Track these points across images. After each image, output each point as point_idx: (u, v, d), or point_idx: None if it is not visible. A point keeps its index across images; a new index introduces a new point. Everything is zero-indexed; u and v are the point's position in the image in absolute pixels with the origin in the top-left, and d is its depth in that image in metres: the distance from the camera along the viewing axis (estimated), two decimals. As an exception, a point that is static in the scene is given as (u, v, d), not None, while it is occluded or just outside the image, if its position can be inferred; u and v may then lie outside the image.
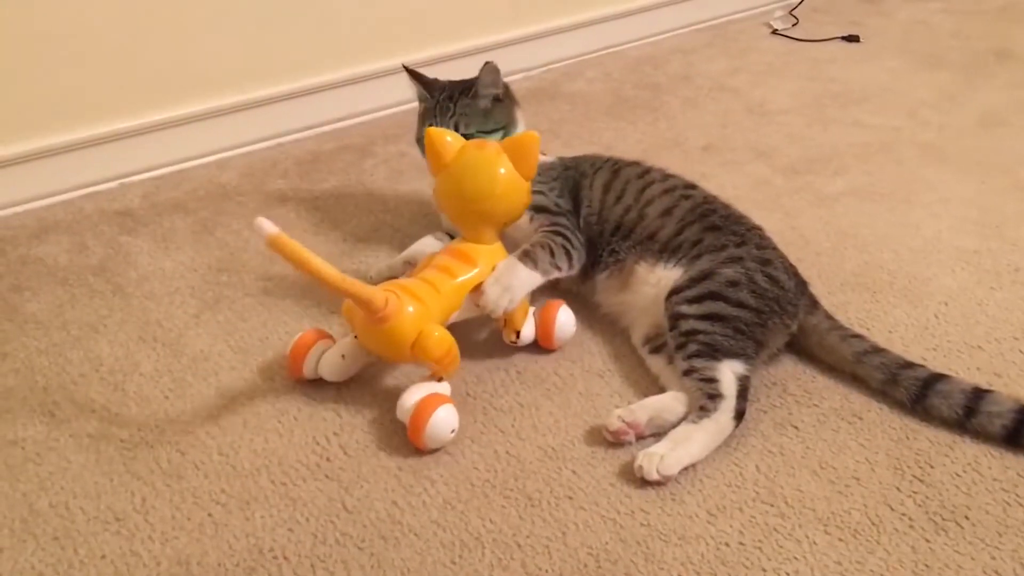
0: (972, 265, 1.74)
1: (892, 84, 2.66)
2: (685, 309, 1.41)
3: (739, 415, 1.32)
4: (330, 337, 1.45)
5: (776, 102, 2.54)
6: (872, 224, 1.89)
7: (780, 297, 1.43)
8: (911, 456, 1.29)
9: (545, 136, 2.32)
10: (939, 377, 1.35)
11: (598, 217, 1.59)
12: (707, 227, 1.52)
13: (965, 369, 1.46)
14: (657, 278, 1.49)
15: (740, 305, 1.40)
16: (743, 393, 1.34)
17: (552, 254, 1.49)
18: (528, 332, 1.50)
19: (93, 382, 1.46)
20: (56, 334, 1.57)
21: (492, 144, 1.46)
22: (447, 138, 1.46)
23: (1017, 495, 1.22)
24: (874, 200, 1.99)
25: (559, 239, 1.52)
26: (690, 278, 1.44)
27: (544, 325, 1.50)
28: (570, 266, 1.53)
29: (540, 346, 1.52)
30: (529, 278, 1.45)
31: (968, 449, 1.30)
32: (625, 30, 3.00)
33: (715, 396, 1.32)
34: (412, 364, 1.41)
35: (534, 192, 1.54)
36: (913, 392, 1.35)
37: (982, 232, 1.85)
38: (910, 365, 1.38)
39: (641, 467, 1.25)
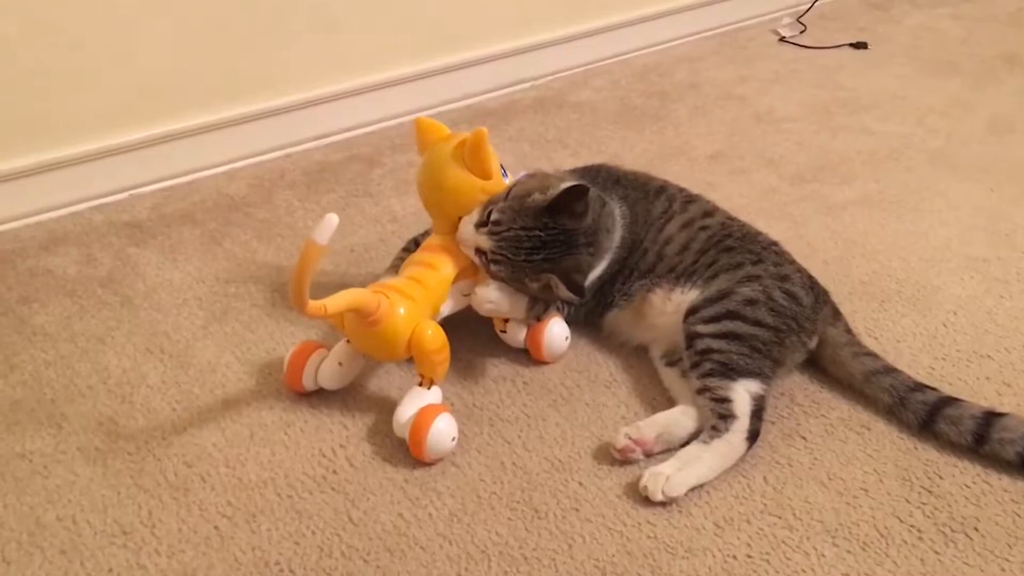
0: (981, 273, 1.73)
1: (901, 91, 2.65)
2: (701, 328, 1.39)
3: (753, 436, 1.31)
4: (324, 346, 1.45)
5: (784, 110, 2.54)
6: (880, 232, 1.88)
7: (799, 314, 1.42)
8: (920, 467, 1.29)
9: (552, 145, 2.34)
10: (948, 401, 1.33)
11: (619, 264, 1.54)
12: (722, 249, 1.50)
13: (974, 379, 1.45)
14: (675, 305, 1.47)
15: (758, 324, 1.38)
16: (758, 413, 1.32)
17: (546, 310, 1.50)
18: (517, 332, 1.50)
19: (100, 394, 1.46)
20: (64, 346, 1.58)
21: (458, 138, 1.46)
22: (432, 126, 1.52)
23: (1027, 506, 1.22)
24: (882, 208, 1.99)
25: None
26: (706, 298, 1.42)
27: (534, 335, 1.50)
28: (564, 314, 1.53)
29: (532, 357, 1.52)
30: (520, 307, 1.47)
31: (978, 460, 1.29)
32: (632, 38, 2.99)
33: (727, 416, 1.30)
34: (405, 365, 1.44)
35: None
36: (921, 416, 1.33)
37: (992, 240, 1.84)
38: (920, 388, 1.36)
39: (646, 487, 1.24)
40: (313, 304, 1.20)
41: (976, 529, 1.19)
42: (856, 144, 2.31)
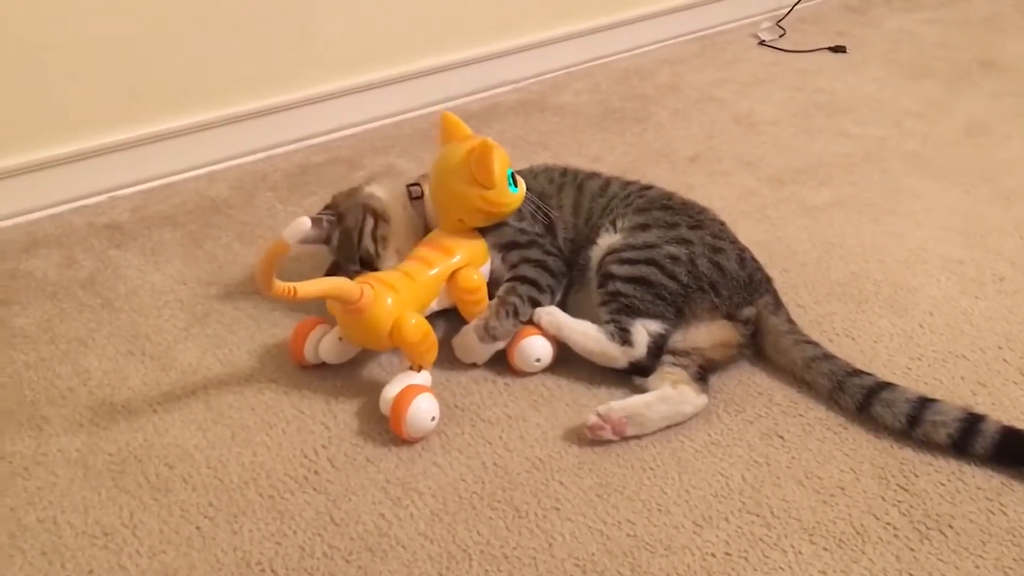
0: (957, 275, 1.75)
1: (878, 94, 2.68)
2: (615, 269, 1.46)
3: (638, 367, 1.43)
4: (327, 322, 1.49)
5: (763, 113, 2.56)
6: (857, 234, 1.90)
7: (718, 282, 1.46)
8: (896, 465, 1.30)
9: (534, 148, 2.34)
10: (884, 385, 1.37)
11: (572, 240, 1.60)
12: (661, 207, 1.56)
13: (949, 378, 1.47)
14: (600, 249, 1.52)
15: (672, 278, 1.45)
16: (654, 351, 1.43)
17: (516, 313, 1.47)
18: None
19: (81, 396, 1.46)
20: (44, 348, 1.58)
21: (472, 142, 1.48)
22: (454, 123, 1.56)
23: (1001, 503, 1.23)
24: (859, 210, 2.01)
25: (524, 287, 1.50)
26: (628, 243, 1.49)
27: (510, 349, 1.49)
28: (551, 298, 1.53)
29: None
30: (489, 349, 1.49)
31: (952, 458, 1.31)
32: (613, 42, 3.01)
33: (627, 342, 1.42)
34: (392, 352, 1.49)
35: (501, 225, 1.54)
36: (858, 399, 1.37)
37: (967, 241, 1.86)
38: (857, 373, 1.40)
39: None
40: (279, 285, 1.25)
41: (951, 526, 1.21)
42: (833, 147, 2.33)
